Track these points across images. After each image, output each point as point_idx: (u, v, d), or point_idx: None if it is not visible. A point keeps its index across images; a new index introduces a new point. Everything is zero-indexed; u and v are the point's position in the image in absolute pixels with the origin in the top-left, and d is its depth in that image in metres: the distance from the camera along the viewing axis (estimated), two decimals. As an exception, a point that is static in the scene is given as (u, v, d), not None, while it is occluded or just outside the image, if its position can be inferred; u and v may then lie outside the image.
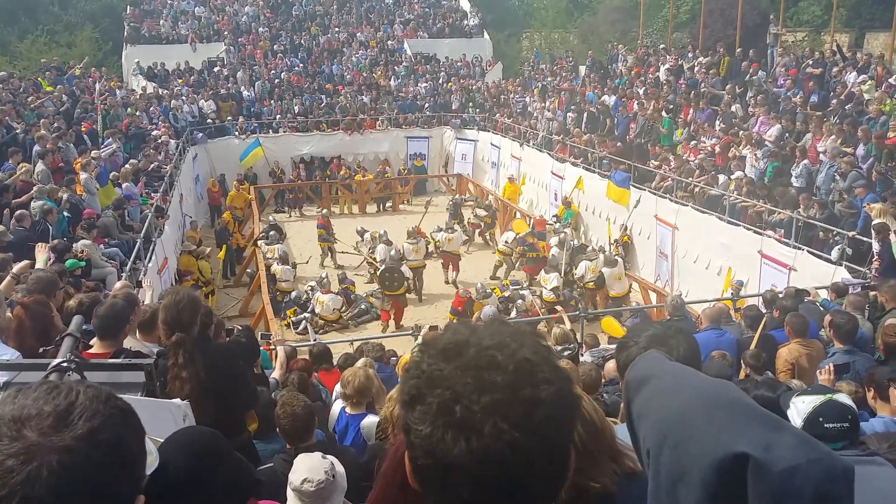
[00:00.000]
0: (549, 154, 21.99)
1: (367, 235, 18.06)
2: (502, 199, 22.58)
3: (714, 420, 1.08)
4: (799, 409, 2.61)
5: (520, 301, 14.46)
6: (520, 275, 17.36)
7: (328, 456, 3.38)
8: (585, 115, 21.86)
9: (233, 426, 4.24)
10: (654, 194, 16.70)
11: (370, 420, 4.79)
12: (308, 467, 3.26)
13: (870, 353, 6.13)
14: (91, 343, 4.39)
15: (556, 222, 18.90)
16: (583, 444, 1.85)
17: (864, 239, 11.07)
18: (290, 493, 3.29)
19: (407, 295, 15.22)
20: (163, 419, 3.10)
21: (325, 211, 20.47)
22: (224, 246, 18.20)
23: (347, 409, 4.99)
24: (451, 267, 17.57)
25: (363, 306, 15.69)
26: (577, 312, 10.71)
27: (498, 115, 26.68)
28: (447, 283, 17.54)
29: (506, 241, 17.60)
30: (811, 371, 5.99)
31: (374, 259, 16.74)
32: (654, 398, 1.23)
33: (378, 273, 15.39)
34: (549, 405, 0.91)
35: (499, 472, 0.89)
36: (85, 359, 4.27)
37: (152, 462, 1.88)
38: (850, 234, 11.43)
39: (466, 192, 24.24)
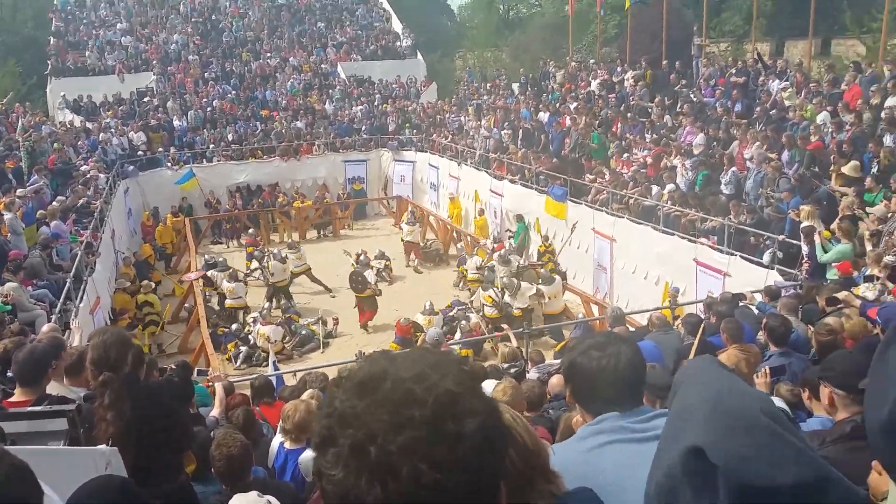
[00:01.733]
0: (487, 172, 22.16)
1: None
2: (444, 220, 22.62)
3: (692, 415, 1.05)
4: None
5: (464, 322, 14.48)
6: (463, 295, 17.38)
7: (265, 496, 3.27)
8: (521, 131, 22.11)
9: (166, 468, 4.10)
10: (591, 207, 16.94)
11: (308, 455, 4.67)
12: None
13: (805, 354, 6.27)
14: (12, 391, 4.20)
15: (510, 237, 19.04)
16: (515, 468, 1.82)
17: (794, 242, 11.42)
18: None
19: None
20: (85, 469, 2.95)
21: (251, 230, 20.30)
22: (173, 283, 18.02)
23: (286, 444, 4.85)
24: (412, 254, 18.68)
25: (304, 332, 15.49)
26: (521, 329, 10.73)
27: (434, 135, 26.79)
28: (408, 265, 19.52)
29: (476, 268, 17.30)
30: (750, 375, 6.07)
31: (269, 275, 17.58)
32: (677, 403, 1.19)
33: (349, 277, 16.74)
34: (473, 439, 0.84)
35: None
36: (4, 408, 4.08)
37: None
38: (780, 237, 11.77)
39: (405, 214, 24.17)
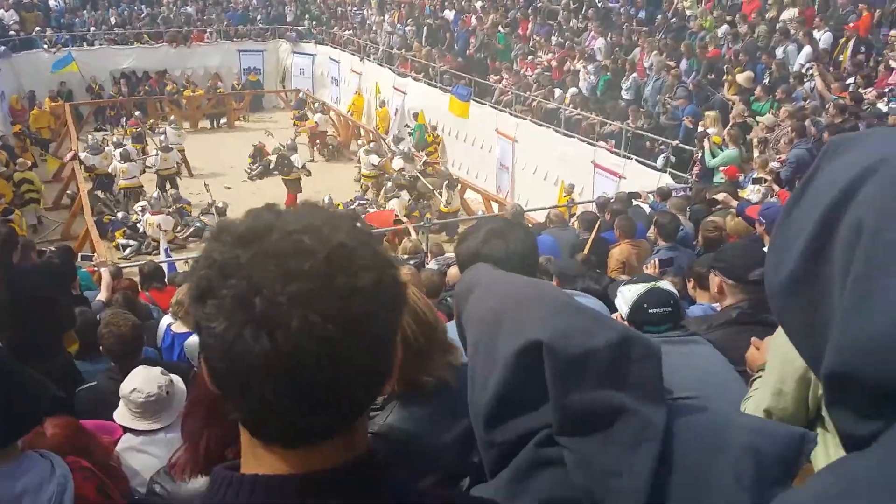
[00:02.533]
0: (391, 69, 21.60)
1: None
2: (344, 114, 22.08)
3: (522, 315, 1.11)
4: (625, 297, 2.68)
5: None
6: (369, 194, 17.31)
7: (172, 375, 3.18)
8: (425, 28, 21.55)
9: (46, 348, 3.96)
10: (495, 108, 16.89)
11: (194, 339, 4.57)
12: (142, 378, 3.07)
13: (691, 250, 6.57)
14: None
15: (409, 132, 18.82)
16: (416, 341, 1.81)
17: (686, 147, 11.80)
18: (120, 403, 3.11)
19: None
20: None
21: (138, 112, 19.42)
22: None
23: (173, 327, 4.72)
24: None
25: (197, 225, 15.03)
26: (422, 224, 10.77)
27: (336, 28, 25.75)
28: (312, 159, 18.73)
29: (373, 165, 17.17)
30: (639, 268, 6.35)
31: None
32: (474, 306, 1.24)
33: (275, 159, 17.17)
34: (367, 294, 0.77)
35: (310, 371, 0.75)
36: None
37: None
38: (674, 143, 12.13)
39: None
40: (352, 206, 15.29)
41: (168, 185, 16.80)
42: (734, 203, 7.75)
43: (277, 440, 0.82)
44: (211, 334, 0.76)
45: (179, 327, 4.71)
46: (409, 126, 19.73)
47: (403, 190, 15.54)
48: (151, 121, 20.54)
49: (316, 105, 21.85)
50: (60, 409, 3.25)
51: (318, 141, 20.27)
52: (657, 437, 0.99)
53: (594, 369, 1.02)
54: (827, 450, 1.68)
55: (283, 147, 17.32)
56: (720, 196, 8.08)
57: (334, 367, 0.75)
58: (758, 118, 11.12)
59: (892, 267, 0.62)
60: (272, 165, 17.67)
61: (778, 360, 2.04)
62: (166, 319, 4.92)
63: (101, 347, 3.96)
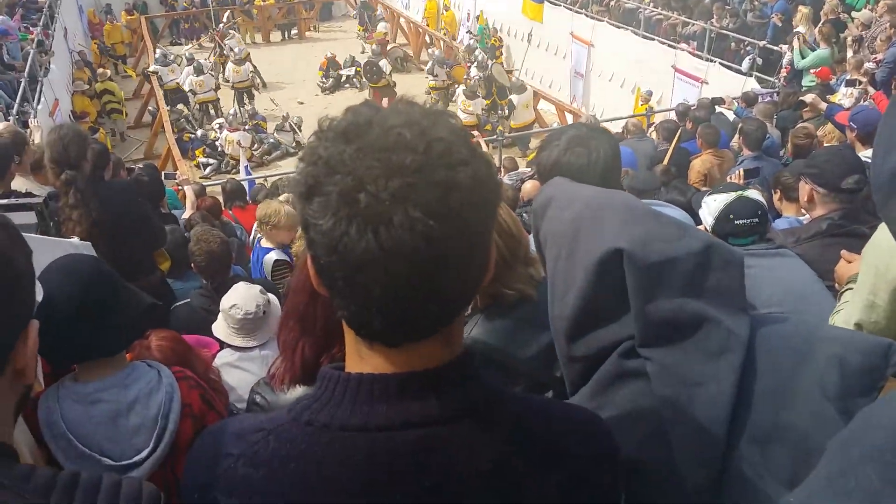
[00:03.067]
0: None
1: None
2: (414, 21, 21.65)
3: (600, 224, 1.11)
4: (710, 207, 2.61)
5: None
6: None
7: (269, 294, 3.30)
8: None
9: (139, 266, 4.10)
10: (570, 10, 16.24)
11: (271, 256, 4.73)
12: (242, 295, 3.18)
13: (778, 159, 6.30)
14: (-25, 186, 4.08)
15: (471, 39, 18.38)
16: (500, 253, 1.82)
17: (774, 48, 11.16)
18: (219, 317, 3.24)
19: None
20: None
21: (223, 24, 19.76)
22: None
23: (262, 243, 4.87)
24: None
25: (271, 141, 15.24)
26: (495, 137, 10.63)
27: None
28: None
29: (437, 76, 17.04)
30: (723, 180, 6.14)
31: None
32: (552, 219, 1.23)
33: (361, 67, 17.61)
34: (466, 189, 0.79)
35: (412, 265, 0.78)
36: (-36, 203, 3.97)
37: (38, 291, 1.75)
38: (761, 43, 11.48)
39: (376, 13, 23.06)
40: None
41: (245, 99, 16.99)
42: (823, 105, 7.34)
43: (381, 338, 0.86)
44: (318, 231, 0.80)
45: (266, 243, 4.83)
46: (471, 32, 19.21)
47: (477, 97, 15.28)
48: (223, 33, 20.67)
49: (379, 13, 21.37)
50: (157, 325, 3.45)
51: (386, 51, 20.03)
52: (740, 346, 0.99)
53: (675, 277, 1.02)
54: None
55: (372, 53, 17.52)
56: (808, 98, 7.65)
57: (435, 261, 0.79)
58: (853, 14, 10.36)
59: None
60: (359, 73, 17.96)
61: (871, 271, 1.96)
62: (257, 234, 5.07)
63: (191, 264, 4.08)
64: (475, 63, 16.29)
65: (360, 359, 0.89)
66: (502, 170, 8.76)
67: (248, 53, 18.29)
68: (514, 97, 14.82)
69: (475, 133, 12.76)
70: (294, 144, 15.15)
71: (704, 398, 1.00)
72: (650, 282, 1.02)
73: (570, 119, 14.37)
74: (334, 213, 0.78)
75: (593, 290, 1.07)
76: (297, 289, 1.69)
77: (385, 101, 15.50)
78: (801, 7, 10.84)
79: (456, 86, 16.61)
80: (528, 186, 6.46)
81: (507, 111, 15.02)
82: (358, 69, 18.83)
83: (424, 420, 0.86)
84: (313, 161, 0.81)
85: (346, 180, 0.77)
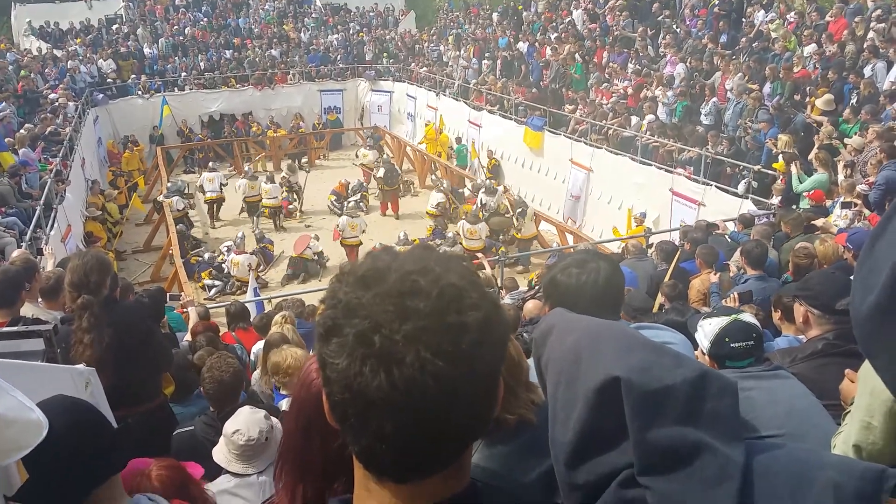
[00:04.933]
0: (466, 102, 21.87)
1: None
2: (422, 151, 22.43)
3: (600, 352, 1.14)
4: (706, 330, 2.65)
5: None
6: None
7: (273, 419, 3.28)
8: (500, 61, 21.76)
9: (144, 389, 4.10)
10: (570, 138, 16.85)
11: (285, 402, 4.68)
12: (245, 420, 3.16)
13: (777, 279, 6.37)
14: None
15: (487, 178, 18.99)
16: (502, 378, 1.84)
17: (769, 171, 11.49)
18: (220, 441, 3.21)
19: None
20: (64, 386, 2.94)
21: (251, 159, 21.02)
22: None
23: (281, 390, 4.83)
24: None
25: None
26: (497, 258, 10.80)
27: (413, 64, 26.30)
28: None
29: (435, 204, 17.56)
30: (721, 298, 6.19)
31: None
32: (553, 346, 1.27)
33: (381, 173, 19.04)
34: (476, 332, 0.84)
35: (422, 404, 0.82)
36: (-24, 329, 4.02)
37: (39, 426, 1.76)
38: (756, 167, 11.83)
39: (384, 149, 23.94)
40: (429, 241, 15.49)
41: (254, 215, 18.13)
42: (834, 229, 7.48)
43: (389, 474, 0.89)
44: (334, 370, 0.85)
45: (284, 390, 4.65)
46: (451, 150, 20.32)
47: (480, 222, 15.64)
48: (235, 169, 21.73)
49: (369, 141, 22.69)
50: (158, 451, 3.41)
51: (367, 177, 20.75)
52: (737, 474, 1.00)
53: (672, 405, 1.04)
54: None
55: (391, 163, 19.40)
56: (819, 222, 7.82)
57: (444, 401, 0.83)
58: (845, 140, 10.74)
59: None
60: (380, 175, 19.25)
61: (866, 392, 1.97)
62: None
63: (201, 389, 4.06)
64: (484, 189, 16.76)
65: (368, 493, 0.92)
66: (504, 290, 8.85)
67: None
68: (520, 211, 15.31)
69: (480, 255, 12.97)
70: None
71: None
72: (647, 410, 1.04)
73: (570, 239, 14.64)
74: (350, 354, 0.83)
75: (593, 417, 1.09)
76: (291, 431, 1.68)
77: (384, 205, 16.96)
78: (780, 136, 11.26)
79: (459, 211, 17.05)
80: (530, 306, 6.51)
81: (516, 226, 15.56)
82: (364, 193, 19.41)
83: None
84: (333, 304, 0.87)
85: (364, 323, 0.83)
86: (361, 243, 15.89)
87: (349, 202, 18.72)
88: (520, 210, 15.60)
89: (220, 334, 6.56)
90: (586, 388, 1.10)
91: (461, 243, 15.17)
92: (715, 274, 6.61)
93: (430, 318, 0.83)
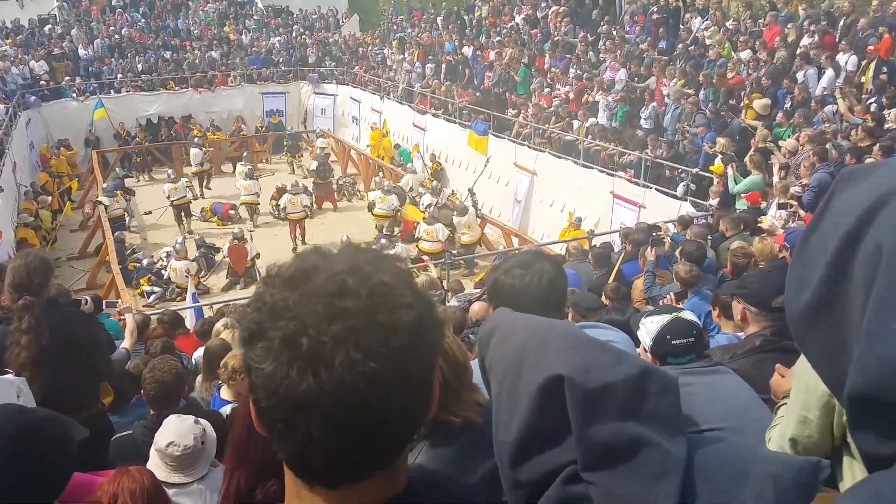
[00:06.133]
0: (410, 106, 21.87)
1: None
2: (367, 154, 22.34)
3: (544, 351, 1.14)
4: (648, 328, 2.69)
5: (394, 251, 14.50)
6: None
7: (202, 421, 3.20)
8: (444, 65, 21.83)
9: (82, 397, 3.96)
10: (513, 142, 16.99)
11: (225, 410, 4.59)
12: (177, 430, 3.08)
13: (714, 277, 6.53)
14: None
15: (433, 181, 19.01)
16: (445, 380, 1.84)
17: (706, 174, 11.79)
18: (153, 454, 3.11)
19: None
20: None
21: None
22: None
23: (222, 391, 4.73)
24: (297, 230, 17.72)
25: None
26: (442, 260, 10.80)
27: (357, 67, 26.18)
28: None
29: (392, 206, 17.44)
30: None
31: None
32: (497, 347, 1.26)
33: (313, 166, 19.83)
34: (408, 332, 0.81)
35: (352, 407, 0.78)
36: None
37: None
38: (694, 170, 12.12)
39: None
40: (373, 246, 15.43)
41: (183, 216, 18.05)
42: (779, 231, 7.70)
43: (321, 480, 0.85)
44: (259, 374, 0.80)
45: (226, 393, 4.62)
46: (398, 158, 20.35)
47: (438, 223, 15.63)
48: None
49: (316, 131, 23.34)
50: (96, 460, 3.29)
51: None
52: (679, 468, 1.00)
53: (614, 402, 1.04)
54: (854, 477, 1.67)
55: (324, 157, 19.72)
56: (765, 224, 8.06)
57: (376, 403, 0.79)
58: (779, 143, 11.10)
59: None
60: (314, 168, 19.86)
61: (802, 387, 2.02)
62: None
63: (142, 392, 3.96)
64: (429, 191, 16.78)
65: (299, 500, 0.88)
66: (450, 293, 8.84)
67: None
68: (455, 218, 15.29)
69: (425, 258, 12.96)
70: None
71: None
72: (590, 406, 1.04)
73: (515, 242, 14.76)
74: (276, 358, 0.79)
75: (536, 416, 1.09)
76: (236, 418, 1.69)
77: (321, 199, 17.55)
78: (718, 139, 11.58)
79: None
80: (476, 307, 6.53)
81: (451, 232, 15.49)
82: (310, 196, 19.22)
83: None
84: (258, 307, 0.83)
85: (290, 325, 0.79)
86: (308, 216, 17.25)
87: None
88: (460, 211, 15.59)
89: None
90: (530, 387, 1.10)
91: (418, 246, 15.14)
92: (651, 250, 6.69)
93: (359, 317, 0.79)
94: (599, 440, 1.03)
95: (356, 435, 0.80)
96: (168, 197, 17.85)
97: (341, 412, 0.78)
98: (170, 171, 19.80)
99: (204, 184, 20.93)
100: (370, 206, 17.60)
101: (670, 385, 1.09)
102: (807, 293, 0.76)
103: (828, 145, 9.87)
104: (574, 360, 1.10)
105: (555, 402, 1.07)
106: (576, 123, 16.03)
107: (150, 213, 19.24)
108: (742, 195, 10.38)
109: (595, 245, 10.01)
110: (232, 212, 18.79)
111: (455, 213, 15.48)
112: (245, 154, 21.35)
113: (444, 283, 9.38)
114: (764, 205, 9.87)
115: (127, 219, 17.52)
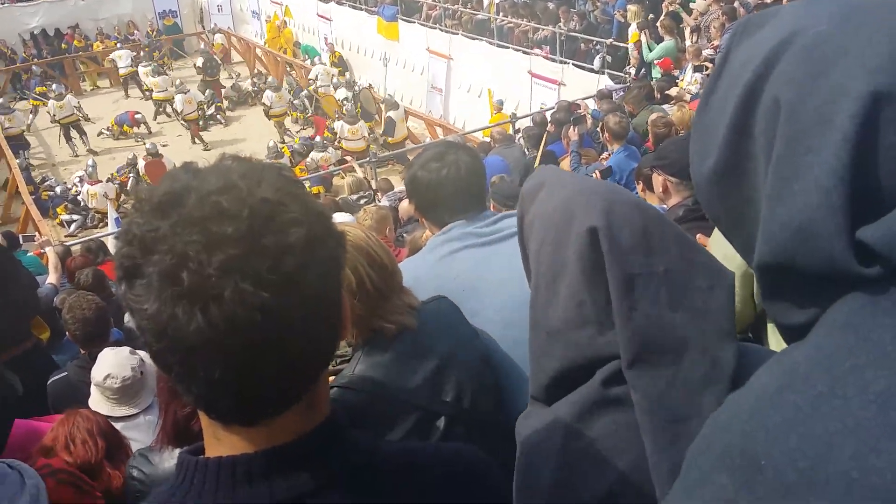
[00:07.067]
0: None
1: None
2: (270, 49, 21.39)
3: (590, 204, 1.06)
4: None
5: (309, 159, 14.19)
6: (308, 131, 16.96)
7: (138, 351, 3.12)
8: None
9: (10, 334, 3.82)
10: (424, 26, 16.49)
11: None
12: (113, 363, 3.01)
13: (638, 150, 6.59)
14: None
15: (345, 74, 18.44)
16: (374, 286, 1.80)
17: (621, 45, 11.73)
18: (93, 390, 3.04)
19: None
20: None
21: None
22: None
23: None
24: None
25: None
26: (367, 160, 10.59)
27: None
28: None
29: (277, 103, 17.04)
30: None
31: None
32: (541, 203, 1.16)
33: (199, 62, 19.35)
34: (300, 251, 0.73)
35: (251, 343, 0.71)
36: None
37: None
38: (608, 41, 12.04)
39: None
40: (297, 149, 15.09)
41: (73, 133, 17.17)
42: (687, 96, 7.75)
43: (234, 418, 0.80)
44: (143, 316, 0.72)
45: None
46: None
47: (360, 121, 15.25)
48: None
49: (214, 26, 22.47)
50: (35, 401, 3.20)
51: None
52: (725, 379, 0.92)
53: (659, 291, 0.97)
54: (779, 345, 1.71)
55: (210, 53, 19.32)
56: (673, 91, 8.08)
57: (276, 334, 0.72)
58: (691, 6, 11.05)
59: (813, 143, 0.58)
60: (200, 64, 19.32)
61: (720, 256, 2.03)
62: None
63: (66, 334, 3.83)
64: (343, 84, 16.28)
65: (217, 441, 0.82)
66: (379, 192, 8.75)
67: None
68: (391, 113, 14.86)
69: (348, 158, 12.71)
70: None
71: (688, 436, 0.88)
72: (638, 291, 0.96)
73: (440, 132, 14.57)
74: (157, 296, 0.70)
75: (582, 281, 1.01)
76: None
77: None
78: (630, 6, 11.47)
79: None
80: (405, 204, 6.46)
81: (383, 130, 15.09)
82: (219, 104, 18.47)
83: (294, 496, 0.80)
84: (128, 240, 0.73)
85: (166, 259, 0.70)
86: (200, 118, 17.12)
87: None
88: (392, 106, 15.17)
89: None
90: (579, 244, 1.02)
91: (341, 146, 14.78)
92: (574, 129, 6.67)
93: (242, 243, 0.70)
94: (642, 329, 0.96)
95: (261, 370, 0.74)
96: (53, 115, 16.84)
97: (240, 350, 0.71)
98: (55, 85, 18.31)
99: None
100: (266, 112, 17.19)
101: (722, 283, 1.02)
102: (710, 159, 0.71)
103: (736, 3, 9.89)
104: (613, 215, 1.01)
105: (600, 265, 0.99)
106: (486, 1, 15.62)
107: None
108: (656, 62, 10.40)
109: (519, 129, 9.99)
110: (139, 115, 17.77)
111: (387, 108, 15.03)
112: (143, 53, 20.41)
113: (373, 182, 9.25)
114: (677, 72, 9.92)
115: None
